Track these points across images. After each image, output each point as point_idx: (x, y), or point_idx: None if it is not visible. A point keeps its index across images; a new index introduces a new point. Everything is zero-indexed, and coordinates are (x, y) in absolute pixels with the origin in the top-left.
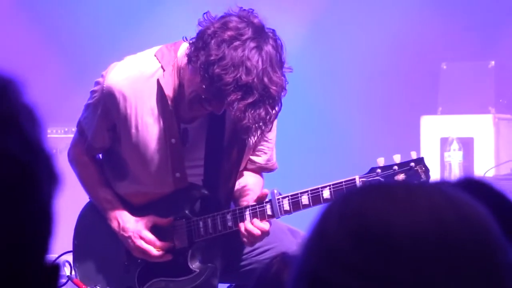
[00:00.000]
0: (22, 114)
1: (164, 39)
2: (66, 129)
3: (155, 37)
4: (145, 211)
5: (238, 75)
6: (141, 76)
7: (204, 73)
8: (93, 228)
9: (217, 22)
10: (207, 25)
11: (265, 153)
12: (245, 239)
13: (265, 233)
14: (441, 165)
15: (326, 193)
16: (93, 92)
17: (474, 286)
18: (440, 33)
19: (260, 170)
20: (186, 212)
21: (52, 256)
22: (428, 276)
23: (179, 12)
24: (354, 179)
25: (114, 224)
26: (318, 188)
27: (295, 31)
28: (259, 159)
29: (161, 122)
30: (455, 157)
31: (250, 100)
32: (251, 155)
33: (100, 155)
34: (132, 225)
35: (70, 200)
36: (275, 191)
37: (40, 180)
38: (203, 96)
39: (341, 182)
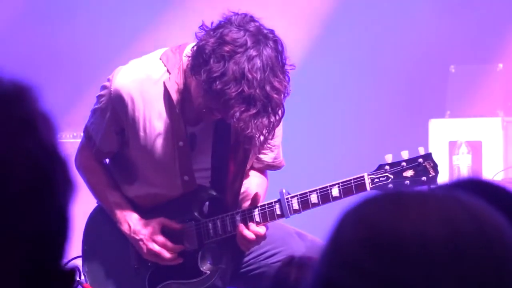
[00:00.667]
0: (39, 120)
1: (168, 43)
2: (75, 134)
3: (158, 41)
4: (155, 214)
5: (241, 89)
6: (147, 79)
7: (207, 88)
8: (102, 232)
9: (213, 36)
10: (205, 39)
11: (272, 151)
12: (240, 244)
13: (260, 238)
14: (449, 168)
15: (335, 191)
16: (100, 96)
17: None
18: (448, 35)
19: (267, 168)
20: (195, 214)
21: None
22: (440, 283)
23: (183, 15)
24: (363, 176)
25: (125, 227)
26: (327, 187)
27: (303, 32)
28: (266, 157)
29: (169, 126)
30: (463, 161)
31: (253, 111)
32: (258, 153)
33: (107, 160)
34: (143, 228)
35: (78, 205)
36: (284, 191)
37: (57, 184)
38: (210, 107)
39: (350, 180)
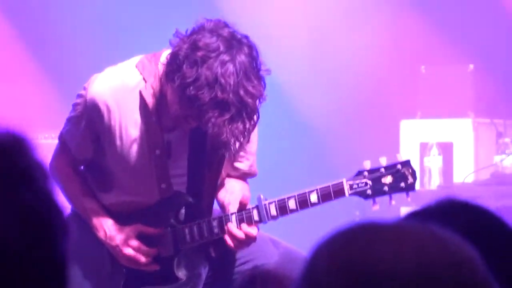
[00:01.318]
0: (36, 170)
1: (148, 49)
2: (53, 135)
3: (140, 46)
4: (131, 221)
5: (214, 94)
6: (123, 87)
7: (181, 94)
8: (76, 238)
9: (187, 42)
10: (178, 45)
11: (248, 159)
12: (230, 243)
13: (251, 238)
14: (420, 170)
15: (313, 197)
16: (75, 105)
17: None
18: (419, 36)
19: (244, 176)
20: (172, 220)
21: None
22: None
23: (166, 20)
24: (342, 182)
25: (101, 234)
26: (305, 192)
27: (274, 34)
28: (242, 165)
29: (145, 134)
30: (434, 162)
31: (227, 116)
32: (234, 162)
33: (82, 167)
34: (119, 234)
35: None
36: (262, 196)
37: (54, 230)
38: (185, 114)
39: (328, 186)
